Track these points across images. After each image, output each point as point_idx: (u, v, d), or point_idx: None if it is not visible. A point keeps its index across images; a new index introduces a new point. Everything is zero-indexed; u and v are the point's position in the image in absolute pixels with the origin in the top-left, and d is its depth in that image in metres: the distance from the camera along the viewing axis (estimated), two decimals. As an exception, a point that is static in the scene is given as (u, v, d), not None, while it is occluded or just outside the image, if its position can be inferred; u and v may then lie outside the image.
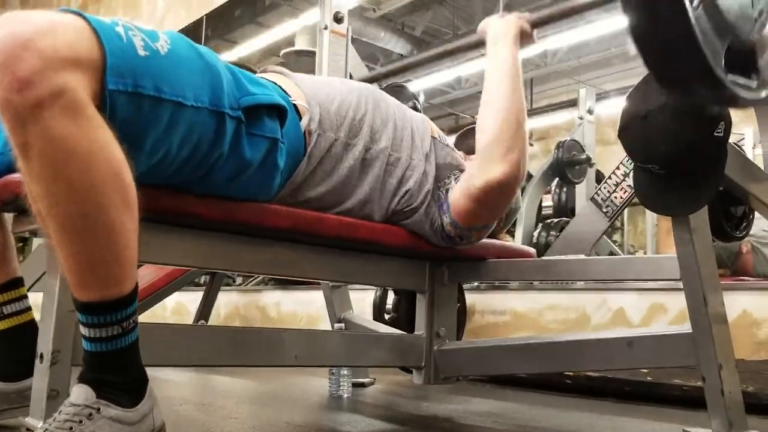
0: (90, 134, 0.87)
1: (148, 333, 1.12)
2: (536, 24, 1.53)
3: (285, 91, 1.33)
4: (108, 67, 0.91)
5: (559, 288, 2.59)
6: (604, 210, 1.76)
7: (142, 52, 0.97)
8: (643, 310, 2.41)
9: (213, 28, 7.06)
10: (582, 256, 1.58)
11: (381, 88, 2.53)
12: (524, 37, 1.52)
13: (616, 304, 2.48)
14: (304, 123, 1.31)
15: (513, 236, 2.94)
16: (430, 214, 1.48)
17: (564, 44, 6.95)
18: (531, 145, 8.88)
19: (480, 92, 1.49)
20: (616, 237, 6.53)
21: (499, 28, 1.51)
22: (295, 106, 1.31)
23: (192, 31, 5.96)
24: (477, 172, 1.38)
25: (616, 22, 6.30)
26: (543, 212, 4.02)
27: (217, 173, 1.14)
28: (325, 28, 2.41)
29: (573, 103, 8.88)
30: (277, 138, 1.22)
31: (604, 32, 6.59)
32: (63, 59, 0.86)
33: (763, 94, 1.10)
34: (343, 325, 1.96)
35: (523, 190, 3.13)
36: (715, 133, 1.24)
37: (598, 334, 1.50)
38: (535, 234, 2.98)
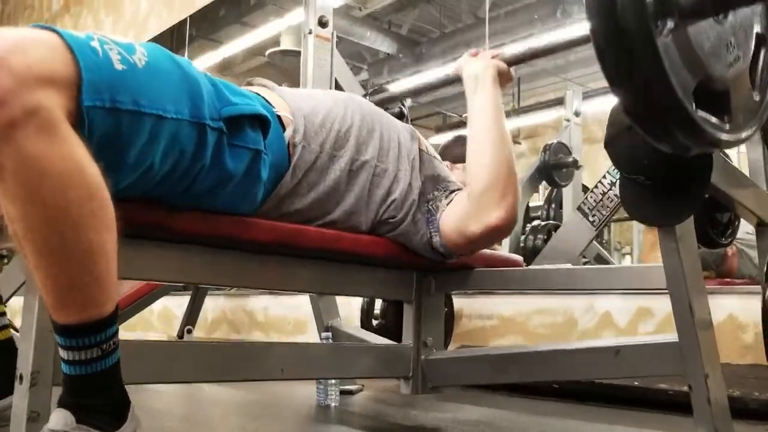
0: (65, 154, 0.85)
1: (130, 351, 1.10)
2: (512, 62, 1.50)
3: (269, 102, 1.32)
4: (83, 83, 0.89)
5: (547, 292, 2.58)
6: (591, 219, 1.76)
7: (118, 66, 0.95)
8: (630, 314, 2.41)
9: (197, 28, 6.99)
10: (568, 266, 1.58)
11: (368, 93, 2.52)
12: (502, 77, 1.49)
13: (602, 308, 2.48)
14: (288, 134, 1.30)
15: (500, 241, 2.93)
16: (418, 227, 1.47)
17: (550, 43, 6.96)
18: (519, 143, 8.86)
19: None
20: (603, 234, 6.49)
21: (476, 70, 1.48)
22: (279, 117, 1.30)
23: (176, 31, 5.91)
24: (473, 216, 1.37)
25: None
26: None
27: (199, 185, 1.13)
28: (310, 33, 2.40)
29: (560, 102, 8.88)
30: (260, 149, 1.21)
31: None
32: (36, 77, 0.83)
33: (743, 135, 1.09)
34: (330, 334, 1.95)
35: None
36: (700, 144, 1.23)
37: (585, 343, 1.49)
38: (522, 237, 2.98)
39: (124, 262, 0.95)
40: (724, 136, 1.04)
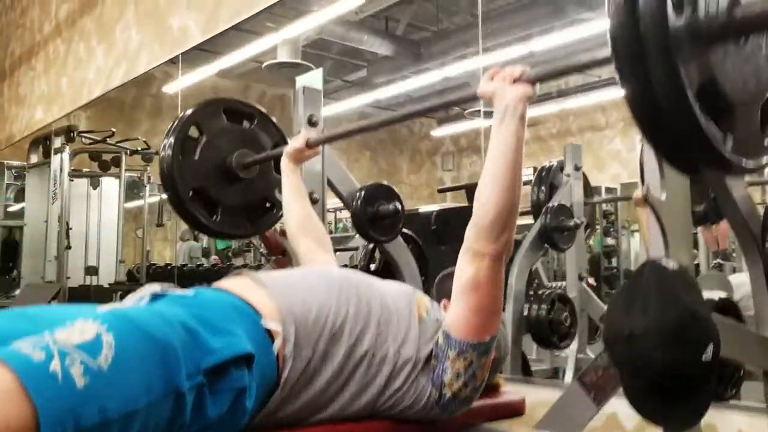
0: None
1: None
2: (537, 80, 1.41)
3: (256, 311, 1.27)
4: (41, 422, 0.88)
5: (553, 385, 2.54)
6: (592, 395, 1.71)
7: (81, 382, 0.93)
8: (638, 418, 2.36)
9: (192, 41, 6.90)
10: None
11: (364, 188, 2.44)
12: (529, 100, 1.42)
13: (610, 408, 2.43)
14: (277, 345, 1.25)
15: (504, 308, 2.83)
16: (424, 393, 1.39)
17: (551, 44, 6.84)
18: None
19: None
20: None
21: (508, 102, 1.39)
22: (267, 330, 1.25)
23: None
24: (474, 241, 1.39)
25: (601, 24, 6.17)
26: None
27: None
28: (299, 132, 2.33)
29: (561, 94, 8.76)
30: (244, 386, 1.16)
31: (591, 33, 6.48)
32: None
33: (764, 160, 1.13)
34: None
35: (511, 260, 3.06)
36: (702, 359, 1.18)
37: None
38: (526, 306, 2.93)
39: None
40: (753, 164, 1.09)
